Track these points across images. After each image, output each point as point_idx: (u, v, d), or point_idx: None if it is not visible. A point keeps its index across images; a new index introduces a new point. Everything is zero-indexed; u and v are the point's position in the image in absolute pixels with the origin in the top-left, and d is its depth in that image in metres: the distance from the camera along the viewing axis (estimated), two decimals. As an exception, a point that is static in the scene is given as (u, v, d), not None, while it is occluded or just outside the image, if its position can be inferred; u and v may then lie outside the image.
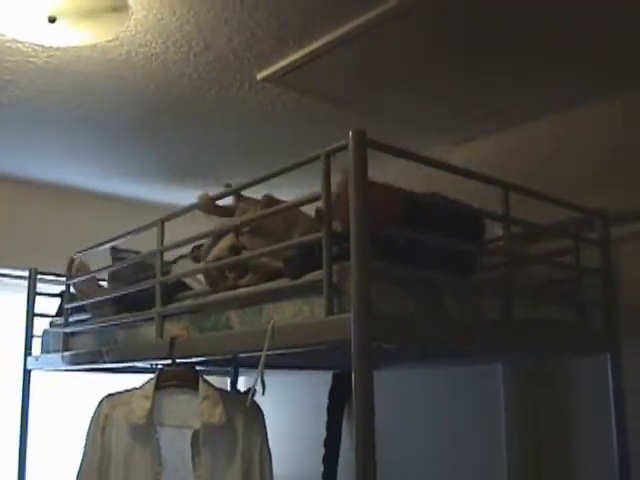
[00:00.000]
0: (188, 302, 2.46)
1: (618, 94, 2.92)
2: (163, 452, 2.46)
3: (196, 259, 2.60)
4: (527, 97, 3.08)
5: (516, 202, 2.20)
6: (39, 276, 3.61)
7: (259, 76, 2.85)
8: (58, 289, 3.51)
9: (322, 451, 3.83)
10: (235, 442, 2.45)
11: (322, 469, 3.79)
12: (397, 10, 2.34)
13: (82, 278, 3.04)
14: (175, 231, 2.56)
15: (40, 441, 3.74)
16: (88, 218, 4.31)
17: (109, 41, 2.57)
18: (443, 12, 2.39)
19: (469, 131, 3.43)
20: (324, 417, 3.89)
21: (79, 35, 2.48)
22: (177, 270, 2.65)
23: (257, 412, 2.53)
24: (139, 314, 2.63)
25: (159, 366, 2.61)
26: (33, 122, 3.33)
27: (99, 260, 3.05)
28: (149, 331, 2.56)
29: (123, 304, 2.79)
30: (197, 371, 2.54)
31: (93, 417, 2.56)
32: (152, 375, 2.54)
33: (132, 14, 2.39)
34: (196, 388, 2.46)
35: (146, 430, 2.46)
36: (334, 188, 1.82)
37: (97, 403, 2.58)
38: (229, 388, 3.69)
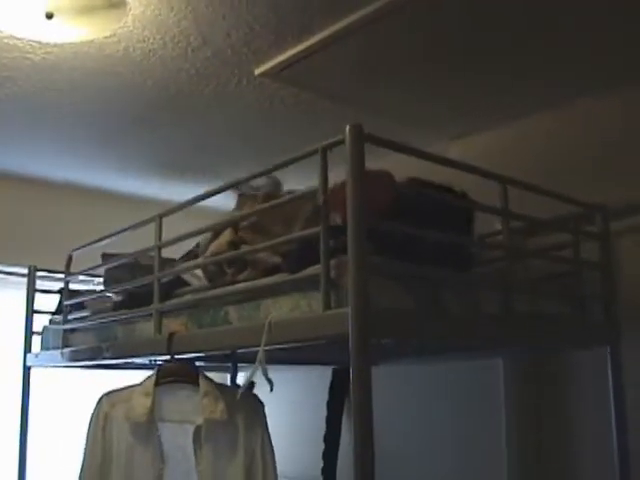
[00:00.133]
0: (186, 298, 2.46)
1: (616, 89, 2.92)
2: (165, 448, 2.46)
3: (195, 256, 2.60)
4: (525, 93, 3.07)
5: (514, 197, 2.20)
6: (38, 273, 3.61)
7: (257, 71, 2.84)
8: (58, 286, 3.51)
9: (322, 446, 3.83)
10: (237, 437, 2.46)
11: (322, 464, 3.80)
12: (393, 6, 2.33)
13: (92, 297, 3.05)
14: (175, 231, 2.55)
15: (40, 438, 3.74)
16: (87, 215, 4.31)
17: (106, 37, 2.56)
18: (439, 8, 2.39)
19: (466, 127, 3.43)
20: (324, 412, 3.89)
21: (76, 31, 2.47)
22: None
23: (258, 406, 2.54)
24: (138, 310, 2.63)
25: (158, 362, 2.61)
26: (30, 118, 3.33)
27: (97, 257, 3.05)
28: (147, 327, 2.56)
29: (123, 303, 2.79)
30: (197, 367, 2.54)
31: (93, 416, 2.56)
32: (151, 372, 2.54)
33: (129, 10, 2.39)
34: (196, 384, 2.46)
35: (147, 427, 2.46)
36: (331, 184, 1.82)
37: (96, 401, 2.57)
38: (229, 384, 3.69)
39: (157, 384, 2.48)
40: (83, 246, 3.06)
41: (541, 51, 2.69)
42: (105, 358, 2.77)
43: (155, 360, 2.72)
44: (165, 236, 2.55)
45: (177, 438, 2.46)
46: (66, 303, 3.17)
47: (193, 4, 2.37)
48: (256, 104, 3.18)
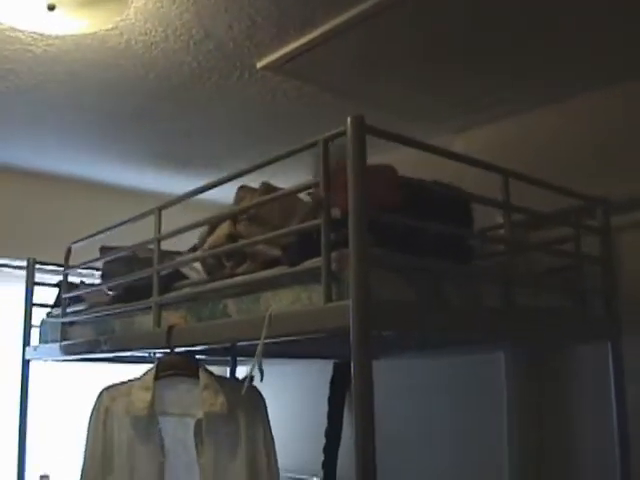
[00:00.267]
0: (185, 291, 2.45)
1: (617, 84, 2.91)
2: (166, 441, 2.46)
3: (194, 250, 2.59)
4: (526, 92, 3.07)
5: (516, 191, 2.19)
6: (37, 266, 3.60)
7: (259, 64, 2.83)
8: (56, 279, 3.51)
9: (322, 440, 3.83)
10: (238, 430, 2.45)
11: (322, 458, 3.79)
12: (395, -1, 2.33)
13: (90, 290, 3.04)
14: (175, 224, 2.54)
15: (39, 430, 3.74)
16: (87, 208, 4.30)
17: (108, 30, 2.56)
18: (441, 2, 2.38)
19: (467, 121, 3.41)
20: (325, 406, 3.89)
21: (78, 23, 2.46)
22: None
23: (258, 399, 2.53)
24: (137, 303, 2.62)
25: (157, 355, 2.61)
26: (32, 111, 3.32)
27: (97, 250, 3.05)
28: (146, 320, 2.56)
29: (120, 297, 2.78)
30: (196, 360, 2.54)
31: (93, 410, 2.55)
32: (151, 365, 2.53)
33: (132, 2, 2.38)
34: (196, 377, 2.46)
35: (148, 421, 2.45)
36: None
37: (96, 396, 2.57)
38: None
39: (157, 378, 2.47)
40: (82, 239, 3.06)
41: (541, 51, 2.70)
42: (103, 351, 2.76)
43: (154, 353, 2.71)
44: (165, 229, 2.54)
45: (178, 432, 2.46)
46: (64, 296, 3.16)
47: (195, -4, 2.37)
48: (258, 97, 3.17)
